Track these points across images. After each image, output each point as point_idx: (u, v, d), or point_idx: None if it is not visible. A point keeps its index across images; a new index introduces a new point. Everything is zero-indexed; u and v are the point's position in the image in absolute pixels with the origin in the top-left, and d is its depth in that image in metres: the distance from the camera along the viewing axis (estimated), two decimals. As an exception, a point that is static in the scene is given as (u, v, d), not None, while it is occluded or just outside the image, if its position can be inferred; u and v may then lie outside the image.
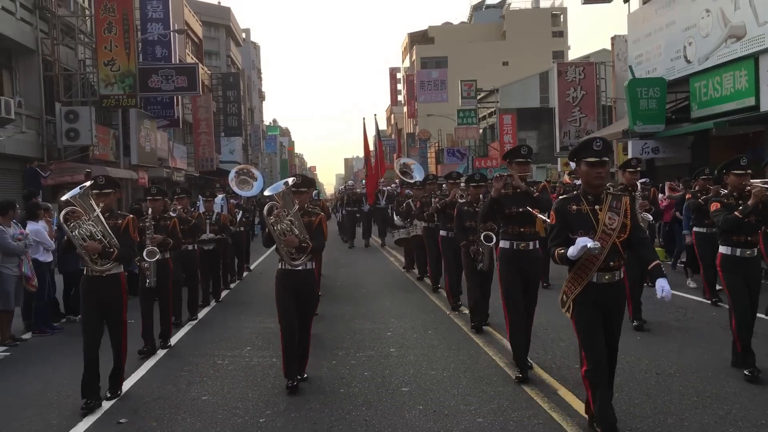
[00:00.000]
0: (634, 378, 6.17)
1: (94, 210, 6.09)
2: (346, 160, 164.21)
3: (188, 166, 35.07)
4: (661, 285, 4.47)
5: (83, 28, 21.88)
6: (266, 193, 6.74)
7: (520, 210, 6.34)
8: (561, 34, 69.51)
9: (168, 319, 8.41)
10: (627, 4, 23.92)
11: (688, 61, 20.08)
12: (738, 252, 6.22)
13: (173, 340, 8.48)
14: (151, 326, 7.95)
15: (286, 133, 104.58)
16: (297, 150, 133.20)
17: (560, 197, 4.93)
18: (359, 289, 12.49)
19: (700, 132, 19.26)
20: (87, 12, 22.46)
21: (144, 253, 7.79)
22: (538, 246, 6.57)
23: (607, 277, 4.61)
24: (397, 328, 8.85)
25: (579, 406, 5.35)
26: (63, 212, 6.21)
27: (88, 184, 6.26)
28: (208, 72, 42.47)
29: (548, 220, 5.06)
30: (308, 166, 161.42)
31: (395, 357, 7.35)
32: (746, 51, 17.25)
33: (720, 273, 6.43)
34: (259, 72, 79.99)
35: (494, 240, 7.24)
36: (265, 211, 6.38)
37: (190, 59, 35.98)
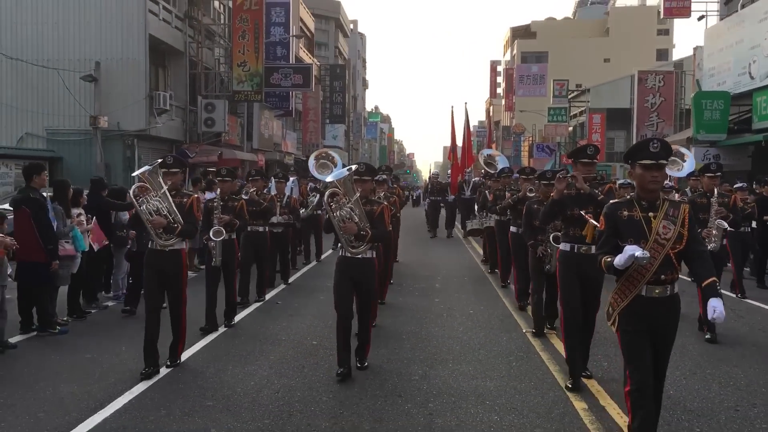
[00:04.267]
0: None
1: (162, 187, 6.35)
2: (444, 148, 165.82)
3: (297, 150, 39.14)
4: (714, 305, 4.07)
5: (220, 32, 26.04)
6: (328, 179, 6.69)
7: (582, 212, 6.10)
8: (666, 32, 69.07)
9: (232, 298, 8.49)
10: (703, 20, 25.68)
11: (752, 78, 21.85)
12: None
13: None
14: (213, 305, 8.25)
15: (386, 119, 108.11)
16: (397, 137, 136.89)
17: (611, 201, 4.61)
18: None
19: (760, 142, 21.09)
20: (224, 20, 26.63)
21: (211, 233, 7.96)
22: None
23: (657, 290, 4.22)
24: (445, 281, 11.87)
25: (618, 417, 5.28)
26: (133, 187, 6.52)
27: (158, 162, 6.46)
28: (318, 63, 46.42)
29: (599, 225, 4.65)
30: (407, 152, 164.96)
31: (438, 289, 10.52)
32: (800, 72, 19.06)
33: None
34: (363, 61, 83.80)
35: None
36: (325, 197, 6.35)
37: (303, 52, 39.92)
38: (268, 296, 10.54)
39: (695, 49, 28.15)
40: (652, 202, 4.29)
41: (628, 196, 4.45)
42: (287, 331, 8.31)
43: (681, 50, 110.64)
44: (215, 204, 8.27)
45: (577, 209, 6.14)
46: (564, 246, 6.30)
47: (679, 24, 70.89)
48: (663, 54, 63.21)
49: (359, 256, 6.31)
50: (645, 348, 4.25)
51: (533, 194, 8.43)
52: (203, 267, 10.79)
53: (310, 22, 46.21)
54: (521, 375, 6.49)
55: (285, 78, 26.93)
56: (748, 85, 22.11)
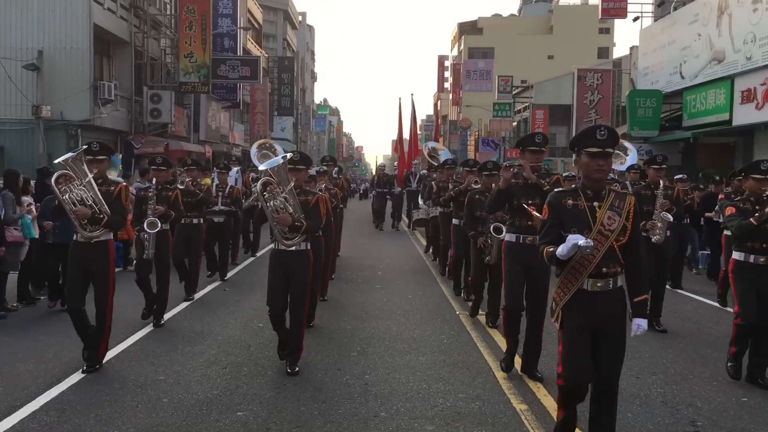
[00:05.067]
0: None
1: (87, 175, 5.97)
2: (393, 141, 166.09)
3: (245, 141, 39.13)
4: (638, 323, 4.15)
5: (167, 22, 25.95)
6: (261, 167, 6.38)
7: (529, 203, 5.98)
8: (607, 31, 71.15)
9: (164, 294, 8.06)
10: (638, 21, 26.87)
11: (683, 77, 23.04)
12: (752, 259, 5.97)
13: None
14: (150, 294, 8.03)
15: (335, 112, 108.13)
16: (345, 129, 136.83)
17: (556, 190, 4.46)
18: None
19: (689, 138, 22.29)
20: (170, 11, 26.53)
21: (145, 224, 7.62)
22: None
23: (599, 284, 4.09)
24: (387, 270, 12.42)
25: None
26: (55, 175, 6.07)
27: (82, 149, 6.08)
28: (266, 55, 46.31)
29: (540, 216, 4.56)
30: (356, 145, 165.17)
31: (380, 276, 11.11)
32: (725, 73, 20.21)
33: (731, 279, 6.19)
34: (312, 54, 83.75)
35: (504, 232, 6.55)
36: (258, 186, 6.06)
37: (251, 44, 39.87)
38: (214, 285, 10.91)
39: (631, 48, 29.34)
40: (598, 191, 4.18)
41: (573, 186, 4.36)
42: (234, 315, 8.69)
43: (621, 49, 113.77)
44: (150, 194, 7.84)
45: (523, 199, 6.00)
46: (510, 237, 6.16)
47: (619, 23, 72.96)
48: (604, 52, 65.15)
49: (293, 248, 6.04)
50: (585, 347, 4.10)
51: (478, 186, 8.39)
52: None
53: (258, 14, 46.10)
54: (451, 350, 7.03)
55: (232, 70, 27.01)
56: (678, 84, 23.29)
